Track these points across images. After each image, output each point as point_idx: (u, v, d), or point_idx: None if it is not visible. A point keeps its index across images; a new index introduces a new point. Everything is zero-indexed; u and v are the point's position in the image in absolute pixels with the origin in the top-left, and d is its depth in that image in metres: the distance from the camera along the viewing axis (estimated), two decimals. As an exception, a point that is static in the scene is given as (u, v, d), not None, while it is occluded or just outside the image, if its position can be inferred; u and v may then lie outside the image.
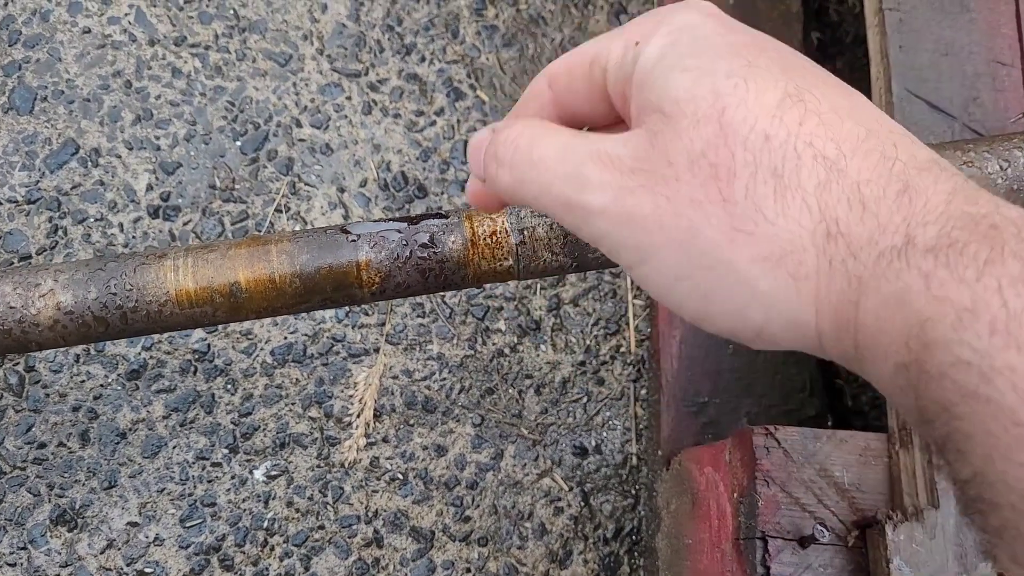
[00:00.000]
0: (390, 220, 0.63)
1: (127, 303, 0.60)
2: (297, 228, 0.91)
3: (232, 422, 0.85)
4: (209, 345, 0.87)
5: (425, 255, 0.62)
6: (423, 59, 0.98)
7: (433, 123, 0.97)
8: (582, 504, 0.89)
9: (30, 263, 0.86)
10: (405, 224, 0.62)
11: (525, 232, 0.62)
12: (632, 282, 0.95)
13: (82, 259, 0.62)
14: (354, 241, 0.62)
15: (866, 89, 1.01)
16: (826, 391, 0.94)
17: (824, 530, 0.63)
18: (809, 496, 0.66)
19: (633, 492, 0.90)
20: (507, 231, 0.62)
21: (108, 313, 0.60)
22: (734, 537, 0.68)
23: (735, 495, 0.68)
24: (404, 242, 0.62)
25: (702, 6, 0.33)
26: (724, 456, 0.72)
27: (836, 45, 1.06)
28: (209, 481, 0.84)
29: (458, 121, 0.97)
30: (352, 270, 0.61)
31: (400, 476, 0.87)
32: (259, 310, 0.62)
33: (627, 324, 0.94)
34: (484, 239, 0.62)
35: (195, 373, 0.86)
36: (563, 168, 0.32)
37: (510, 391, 0.90)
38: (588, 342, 0.93)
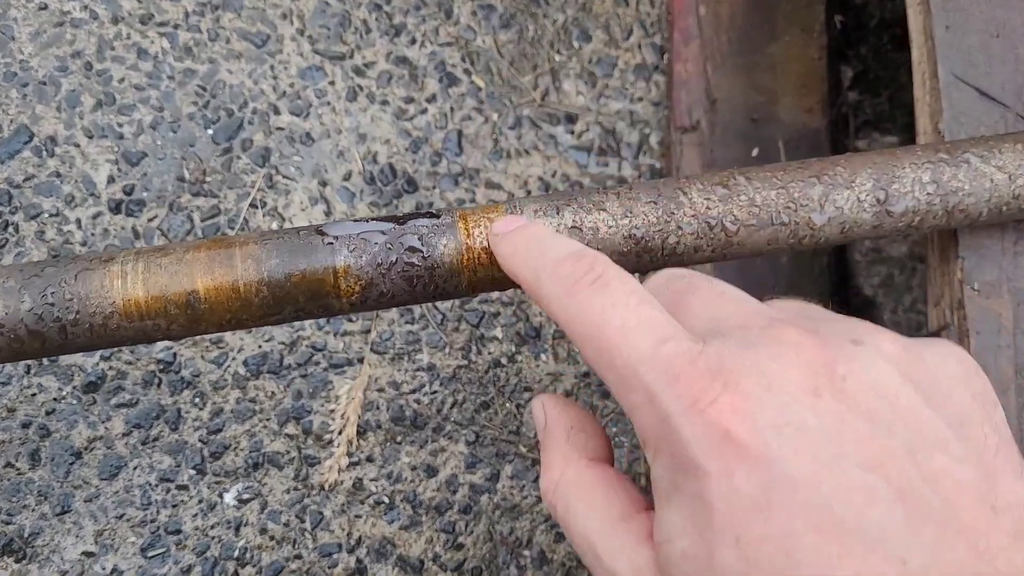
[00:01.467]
0: (373, 220, 0.55)
1: (67, 315, 0.52)
2: (274, 226, 0.83)
3: (200, 440, 0.77)
4: (175, 354, 0.79)
5: (413, 260, 0.54)
6: (413, 41, 0.90)
7: (424, 111, 0.88)
8: (586, 530, 0.81)
9: (-24, 263, 0.77)
10: (390, 224, 0.54)
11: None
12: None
13: (16, 264, 0.54)
14: (331, 244, 0.53)
15: (894, 78, 0.93)
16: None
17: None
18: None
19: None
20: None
21: (44, 327, 0.51)
22: None
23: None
24: (389, 245, 0.54)
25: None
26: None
27: (860, 29, 0.98)
28: (174, 506, 0.76)
29: (451, 109, 0.89)
30: (328, 277, 0.53)
31: (386, 499, 0.79)
32: (221, 323, 0.53)
33: (635, 332, 0.86)
34: (481, 242, 0.54)
35: (159, 386, 0.78)
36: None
37: (507, 405, 0.82)
38: (592, 351, 0.85)
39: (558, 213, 0.55)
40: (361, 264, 0.53)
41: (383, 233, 0.54)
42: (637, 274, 0.51)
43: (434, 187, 0.86)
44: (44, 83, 0.82)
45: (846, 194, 0.56)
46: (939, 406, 0.31)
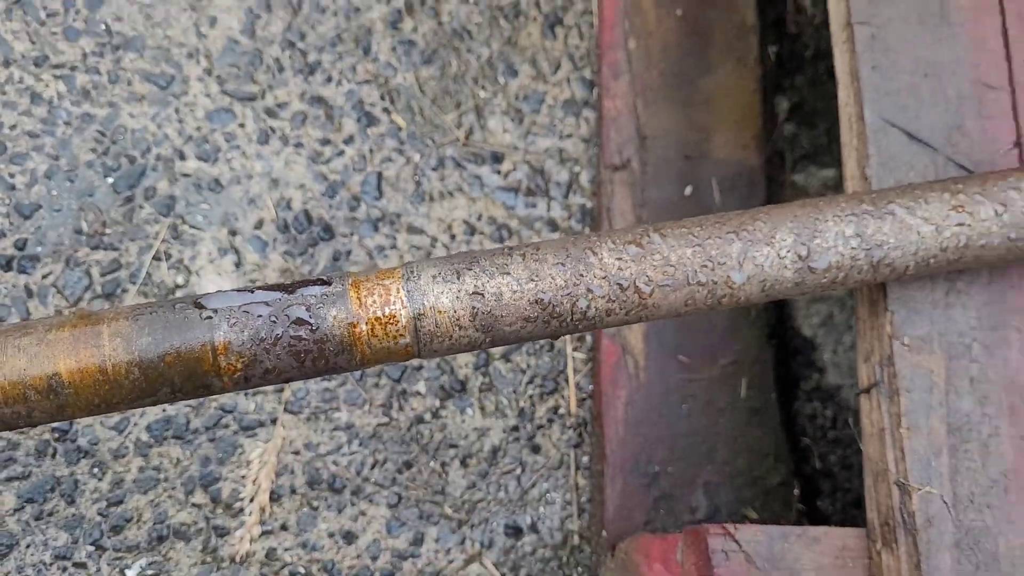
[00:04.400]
0: (258, 289, 0.50)
1: (-89, 406, 0.47)
2: (179, 279, 0.78)
3: (99, 513, 0.72)
4: (72, 421, 0.73)
5: (300, 334, 0.49)
6: (329, 79, 0.86)
7: (341, 153, 0.84)
8: (516, 594, 0.77)
9: None
10: (276, 294, 0.50)
11: (426, 302, 0.50)
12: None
13: None
14: (209, 318, 0.49)
15: (831, 109, 0.91)
16: (792, 453, 0.84)
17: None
18: (777, 611, 0.55)
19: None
20: (403, 301, 0.50)
21: None
22: (689, 660, 0.56)
23: (690, 607, 0.57)
24: (273, 318, 0.49)
25: None
26: (676, 554, 0.60)
27: (795, 60, 0.96)
28: (71, 585, 0.70)
29: (370, 150, 0.84)
30: (207, 356, 0.49)
31: (302, 570, 0.74)
32: (89, 407, 0.49)
33: (566, 381, 0.82)
34: (375, 312, 0.50)
35: (54, 456, 0.72)
36: None
37: (432, 464, 0.78)
38: (522, 403, 0.81)
39: (458, 278, 0.51)
40: (243, 340, 0.49)
41: (267, 304, 0.50)
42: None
43: (352, 233, 0.82)
44: (-71, 131, 0.77)
45: (766, 251, 0.53)
46: None
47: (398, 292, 0.51)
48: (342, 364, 0.51)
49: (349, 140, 0.85)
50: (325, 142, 0.84)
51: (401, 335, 0.50)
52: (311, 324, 0.50)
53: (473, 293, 0.51)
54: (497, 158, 0.86)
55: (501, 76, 0.89)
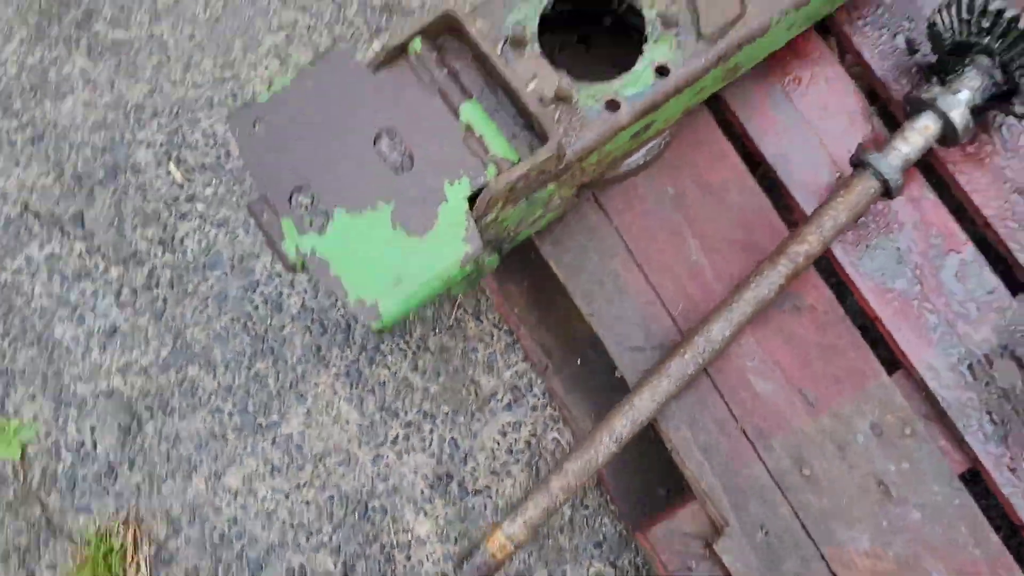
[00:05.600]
0: (463, 560, 1.44)
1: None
2: (409, 537, 1.74)
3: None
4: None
5: (481, 569, 1.43)
6: (406, 413, 1.79)
7: (432, 441, 1.78)
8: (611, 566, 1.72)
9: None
10: (468, 559, 1.44)
11: (511, 533, 1.43)
12: (570, 454, 1.75)
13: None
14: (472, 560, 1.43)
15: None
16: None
17: (694, 564, 1.46)
18: (684, 554, 1.48)
19: (633, 545, 1.73)
20: (504, 538, 1.43)
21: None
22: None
23: (663, 561, 1.50)
24: (472, 567, 1.43)
25: None
26: (645, 544, 1.53)
27: (590, 254, 1.83)
28: (452, 669, 1.69)
29: (444, 431, 1.78)
30: (460, 590, 1.43)
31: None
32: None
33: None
34: (497, 545, 1.43)
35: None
36: None
37: (548, 541, 1.73)
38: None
39: (515, 521, 1.43)
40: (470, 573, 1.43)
41: (469, 563, 1.43)
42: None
43: (458, 470, 1.76)
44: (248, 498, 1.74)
45: (606, 438, 1.43)
46: None
47: (502, 534, 1.43)
48: (495, 568, 1.45)
49: (431, 431, 1.78)
50: (423, 439, 1.78)
51: (509, 548, 1.43)
52: (484, 561, 1.44)
53: (522, 522, 1.43)
54: (494, 396, 1.78)
55: (470, 358, 1.80)
